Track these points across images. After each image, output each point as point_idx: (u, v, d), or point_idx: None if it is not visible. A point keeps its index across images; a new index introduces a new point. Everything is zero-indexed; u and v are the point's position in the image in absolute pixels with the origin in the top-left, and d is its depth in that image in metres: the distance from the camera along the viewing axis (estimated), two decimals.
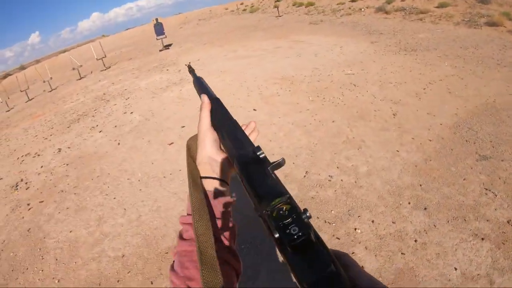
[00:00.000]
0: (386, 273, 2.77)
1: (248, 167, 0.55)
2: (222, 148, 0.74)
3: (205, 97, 0.80)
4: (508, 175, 3.60)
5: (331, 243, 3.11)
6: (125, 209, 4.22)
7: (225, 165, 0.72)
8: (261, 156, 0.56)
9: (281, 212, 0.40)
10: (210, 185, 0.70)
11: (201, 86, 1.06)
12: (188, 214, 0.68)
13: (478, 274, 2.65)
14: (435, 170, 3.87)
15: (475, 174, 3.70)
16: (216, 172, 0.71)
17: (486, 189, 3.46)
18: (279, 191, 0.45)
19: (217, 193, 0.69)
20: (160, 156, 5.35)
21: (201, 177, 0.71)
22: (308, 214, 0.40)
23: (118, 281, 3.18)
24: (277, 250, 0.47)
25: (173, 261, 0.63)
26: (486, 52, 7.56)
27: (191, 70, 1.25)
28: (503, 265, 2.68)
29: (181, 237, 0.65)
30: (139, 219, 3.97)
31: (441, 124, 4.75)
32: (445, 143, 4.34)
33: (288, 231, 0.38)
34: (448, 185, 3.60)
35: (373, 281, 0.41)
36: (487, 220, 3.09)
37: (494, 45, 8.06)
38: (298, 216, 0.40)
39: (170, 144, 5.68)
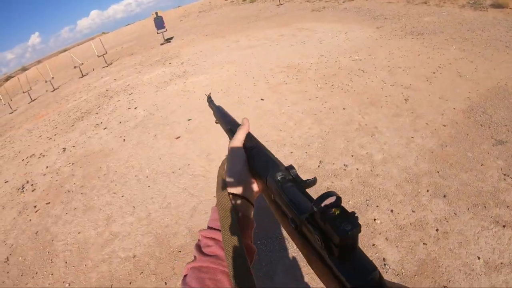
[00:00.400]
0: (409, 265, 2.68)
1: (283, 184, 0.57)
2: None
3: (246, 120, 0.81)
4: None
5: None
6: (134, 207, 4.14)
7: (253, 186, 0.71)
8: (293, 175, 0.59)
9: (330, 213, 0.40)
10: (239, 205, 0.69)
11: (223, 116, 1.08)
12: (210, 228, 0.67)
13: (501, 263, 2.55)
14: (452, 156, 3.75)
15: (492, 159, 3.59)
16: (245, 191, 0.70)
17: (505, 175, 3.35)
18: (327, 193, 0.44)
19: (245, 214, 0.69)
20: (168, 151, 5.26)
21: (231, 193, 0.69)
22: (356, 215, 0.40)
23: (130, 283, 3.10)
24: (306, 253, 0.49)
25: (185, 275, 0.61)
26: (494, 35, 7.38)
27: (210, 101, 1.29)
28: None
29: (200, 251, 0.63)
30: (149, 217, 3.89)
31: (454, 109, 4.62)
32: (460, 128, 4.21)
33: (341, 227, 0.38)
34: (465, 171, 3.48)
35: None
36: (507, 207, 2.98)
37: (501, 27, 7.86)
38: (349, 215, 0.40)
39: (177, 138, 5.58)
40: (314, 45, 9.29)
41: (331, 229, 0.38)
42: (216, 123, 1.14)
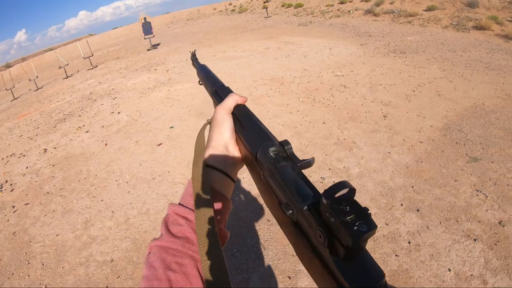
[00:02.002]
0: None
1: (277, 162, 0.50)
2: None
3: (243, 96, 0.73)
4: (498, 177, 3.62)
5: None
6: (113, 211, 4.14)
7: (237, 160, 0.65)
8: (289, 152, 0.52)
9: (341, 206, 0.34)
10: (218, 181, 0.62)
11: (208, 75, 0.98)
12: (182, 205, 0.60)
13: (471, 275, 2.65)
14: (427, 171, 3.87)
15: (466, 175, 3.72)
16: (227, 165, 0.64)
17: (477, 191, 3.47)
18: (341, 183, 0.37)
19: (222, 197, 0.62)
20: (149, 157, 5.27)
21: (210, 166, 0.63)
22: (370, 212, 0.34)
23: (107, 287, 3.10)
24: (299, 253, 0.44)
25: (149, 252, 0.55)
26: (474, 55, 7.65)
27: (194, 59, 1.18)
28: (495, 266, 2.68)
29: (168, 230, 0.56)
30: (127, 222, 3.89)
31: (431, 126, 4.77)
32: (436, 144, 4.35)
33: (355, 227, 0.32)
34: (439, 187, 3.60)
35: None
36: (479, 221, 3.10)
37: (482, 49, 8.16)
38: (363, 212, 0.34)
39: (158, 145, 5.60)
40: (298, 59, 9.45)
41: (343, 229, 0.33)
42: (200, 84, 1.06)
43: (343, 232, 0.33)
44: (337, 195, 0.34)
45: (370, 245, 3.01)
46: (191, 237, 0.55)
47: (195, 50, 1.27)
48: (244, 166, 0.67)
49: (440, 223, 3.15)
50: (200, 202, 0.56)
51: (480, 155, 4.03)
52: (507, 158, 3.90)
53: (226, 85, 0.87)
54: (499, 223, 3.05)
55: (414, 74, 6.89)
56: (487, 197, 3.36)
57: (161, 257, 0.52)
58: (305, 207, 0.40)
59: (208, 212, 0.54)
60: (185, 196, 0.61)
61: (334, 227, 0.34)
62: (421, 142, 4.43)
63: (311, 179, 3.89)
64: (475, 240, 2.92)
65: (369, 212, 0.34)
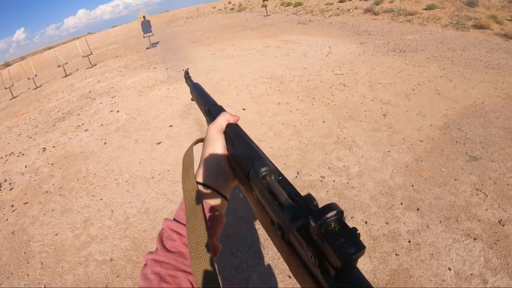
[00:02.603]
0: (381, 274, 2.75)
1: (269, 182, 0.50)
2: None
3: (235, 116, 0.74)
4: (498, 176, 3.62)
5: None
6: (112, 210, 4.13)
7: (229, 179, 0.66)
8: (281, 174, 0.52)
9: (330, 228, 0.35)
10: (210, 198, 0.64)
11: (200, 94, 0.99)
12: (176, 220, 0.62)
13: (471, 274, 2.65)
14: (426, 170, 3.87)
15: (466, 174, 3.71)
16: (220, 183, 0.65)
17: (477, 190, 3.47)
18: (329, 205, 0.37)
19: (215, 212, 0.63)
20: (148, 156, 5.26)
21: (202, 184, 0.64)
22: (358, 232, 0.34)
23: (106, 286, 3.09)
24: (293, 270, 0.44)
25: (145, 264, 0.57)
26: (474, 54, 7.64)
27: (187, 77, 1.19)
28: (495, 265, 2.68)
29: (162, 244, 0.59)
30: (127, 221, 3.88)
31: (431, 125, 4.77)
32: (436, 143, 4.34)
33: (344, 249, 0.33)
34: (439, 186, 3.60)
35: None
36: (479, 220, 3.09)
37: (482, 48, 8.15)
38: (351, 233, 0.34)
39: (158, 144, 5.59)
40: (298, 57, 9.44)
41: (331, 250, 0.33)
42: (192, 100, 1.07)
43: (332, 254, 0.33)
44: (327, 215, 0.35)
45: (370, 244, 3.01)
46: (184, 251, 0.57)
47: (188, 68, 1.29)
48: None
49: (440, 222, 3.14)
50: (191, 217, 0.57)
51: (480, 154, 4.02)
52: (506, 157, 3.89)
53: (219, 103, 0.88)
54: (499, 222, 3.04)
55: (413, 73, 6.88)
56: (487, 196, 3.36)
57: (156, 270, 0.55)
58: (295, 228, 0.40)
59: (199, 227, 0.55)
60: (179, 211, 0.63)
61: (323, 249, 0.35)
62: (421, 141, 4.43)
63: (311, 178, 3.90)
64: (475, 239, 2.92)
65: (357, 232, 0.34)
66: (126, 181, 4.68)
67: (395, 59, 7.96)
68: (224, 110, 0.78)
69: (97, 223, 3.96)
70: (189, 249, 0.53)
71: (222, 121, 0.70)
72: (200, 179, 0.65)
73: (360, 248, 0.33)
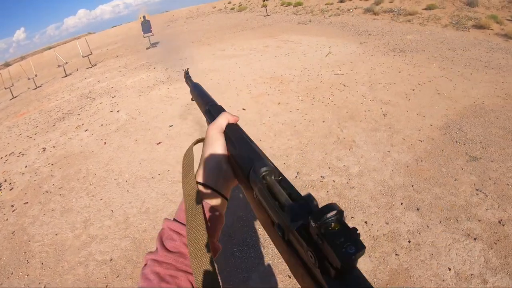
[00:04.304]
0: (381, 274, 2.75)
1: (269, 182, 0.51)
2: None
3: (235, 116, 0.73)
4: (498, 176, 3.62)
5: None
6: (112, 210, 4.13)
7: (229, 179, 0.66)
8: (281, 174, 0.52)
9: (329, 228, 0.35)
10: (210, 198, 0.64)
11: (201, 94, 0.99)
12: (176, 220, 0.61)
13: (471, 274, 2.65)
14: (426, 170, 3.87)
15: (466, 174, 3.71)
16: (220, 183, 0.65)
17: (477, 190, 3.47)
18: (329, 205, 0.37)
19: (215, 212, 0.63)
20: (148, 156, 5.26)
21: (202, 184, 0.64)
22: (358, 232, 0.34)
23: (106, 286, 3.09)
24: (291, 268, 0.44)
25: (145, 264, 0.57)
26: (474, 54, 7.64)
27: (188, 77, 1.19)
28: (495, 265, 2.68)
29: (162, 244, 0.58)
30: (127, 221, 3.88)
31: (431, 125, 4.77)
32: (436, 144, 4.34)
33: (344, 249, 0.32)
34: (439, 186, 3.60)
35: None
36: (479, 220, 3.10)
37: (482, 48, 8.15)
38: (351, 233, 0.34)
39: (158, 144, 5.59)
40: (298, 57, 9.44)
41: (331, 251, 0.33)
42: (192, 100, 1.07)
43: (332, 255, 0.33)
44: (327, 215, 0.35)
45: (370, 244, 3.01)
46: (184, 251, 0.57)
47: (188, 68, 1.28)
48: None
49: (440, 222, 3.14)
50: (191, 217, 0.57)
51: (480, 154, 4.02)
52: (507, 158, 3.89)
53: (219, 104, 0.88)
54: (499, 222, 3.05)
55: (413, 72, 6.88)
56: (487, 196, 3.36)
57: (156, 270, 0.55)
58: (296, 228, 0.40)
59: (199, 227, 0.56)
60: (179, 212, 0.62)
61: (323, 249, 0.35)
62: (421, 141, 4.43)
63: (311, 178, 3.90)
64: (475, 239, 2.92)
65: (357, 232, 0.34)
66: (126, 181, 4.68)
67: (395, 59, 7.96)
68: (224, 110, 0.77)
69: (97, 223, 3.96)
70: (189, 249, 0.53)
71: (222, 121, 0.70)
72: (200, 179, 0.65)
73: (360, 248, 0.32)
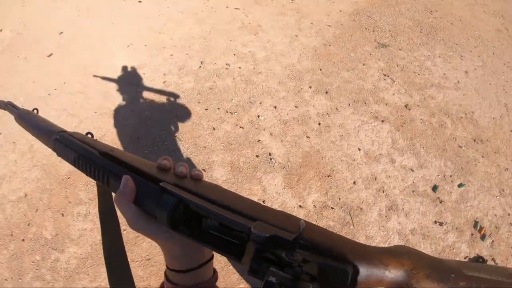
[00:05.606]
0: (294, 157, 2.87)
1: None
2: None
3: (128, 180, 0.49)
4: (405, 63, 3.78)
5: (235, 133, 3.14)
6: (14, 142, 3.76)
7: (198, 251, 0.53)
8: None
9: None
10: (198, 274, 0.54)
11: (36, 125, 0.72)
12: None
13: (380, 154, 2.85)
14: (335, 55, 3.90)
15: (374, 60, 3.82)
16: (188, 259, 0.52)
17: (385, 75, 3.60)
18: None
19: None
20: (40, 72, 4.71)
21: (184, 271, 0.52)
22: None
23: (29, 224, 2.95)
24: None
25: None
26: None
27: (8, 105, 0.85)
28: (402, 146, 2.90)
29: None
30: (31, 150, 3.59)
31: (340, 11, 4.70)
32: (344, 29, 4.34)
33: None
34: (347, 70, 3.68)
35: None
36: (386, 104, 3.26)
37: None
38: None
39: (49, 56, 5.02)
40: None
41: None
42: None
43: None
44: None
45: (280, 129, 3.06)
46: None
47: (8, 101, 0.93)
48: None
49: (349, 105, 3.26)
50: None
51: (389, 42, 4.11)
52: (414, 47, 4.03)
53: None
54: (405, 106, 3.23)
55: None
56: (394, 81, 3.51)
57: None
58: None
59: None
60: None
61: None
62: (330, 26, 4.38)
63: (215, 66, 3.87)
64: (382, 121, 3.09)
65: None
66: (23, 106, 4.21)
67: None
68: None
69: (1, 161, 3.62)
70: None
71: (131, 214, 0.50)
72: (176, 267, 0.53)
73: None
